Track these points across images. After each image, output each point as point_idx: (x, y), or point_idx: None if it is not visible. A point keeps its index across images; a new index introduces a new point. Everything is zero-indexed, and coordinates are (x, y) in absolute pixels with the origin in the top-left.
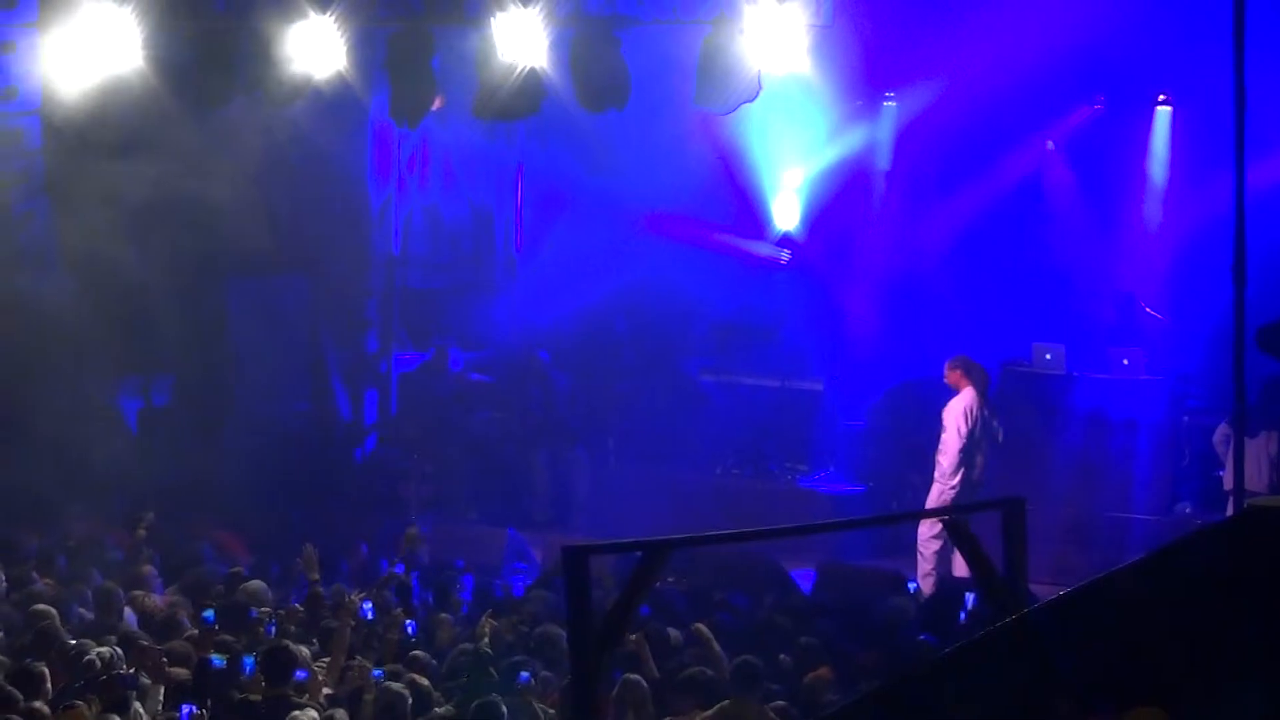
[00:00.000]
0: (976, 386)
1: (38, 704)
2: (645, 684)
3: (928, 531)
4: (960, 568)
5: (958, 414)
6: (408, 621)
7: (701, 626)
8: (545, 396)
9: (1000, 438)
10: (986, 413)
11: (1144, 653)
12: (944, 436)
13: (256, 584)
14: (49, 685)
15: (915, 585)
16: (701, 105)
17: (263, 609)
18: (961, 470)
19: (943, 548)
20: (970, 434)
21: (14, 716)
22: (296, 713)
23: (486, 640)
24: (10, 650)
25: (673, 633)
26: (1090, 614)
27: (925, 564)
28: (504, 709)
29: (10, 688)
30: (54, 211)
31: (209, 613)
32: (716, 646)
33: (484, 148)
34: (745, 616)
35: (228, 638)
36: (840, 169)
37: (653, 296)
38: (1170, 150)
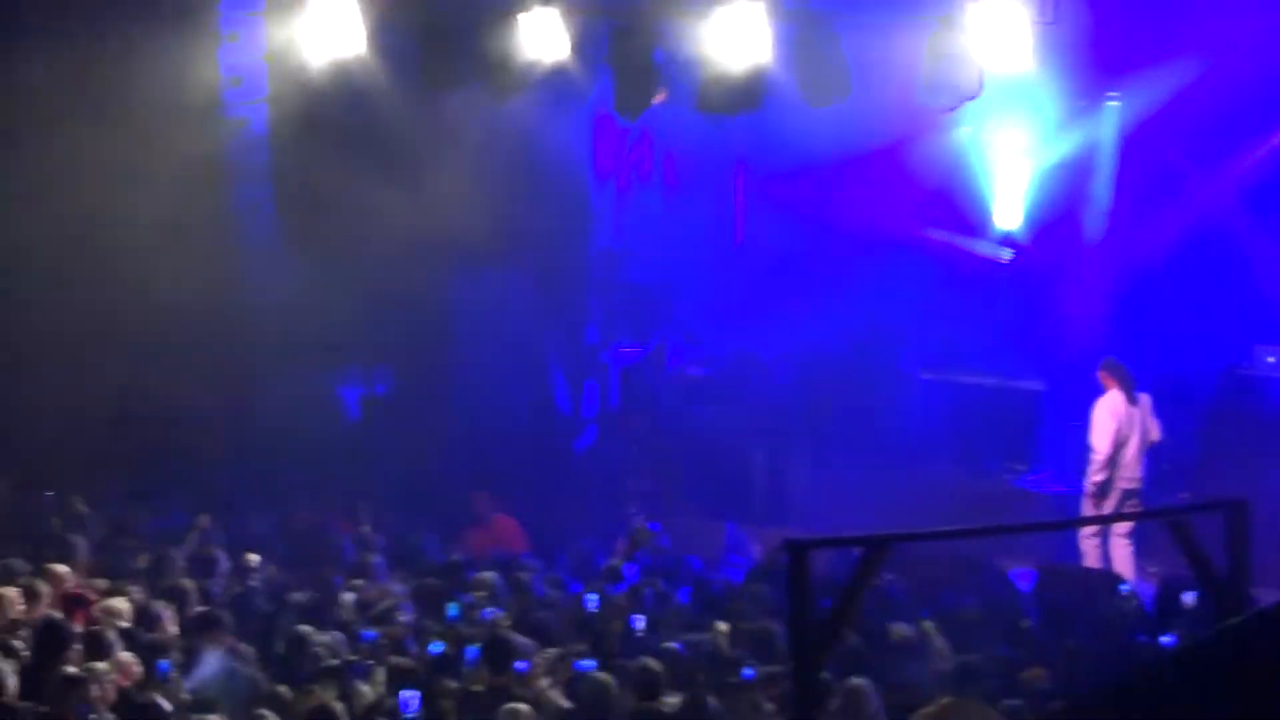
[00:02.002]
0: (1121, 386)
1: (281, 689)
2: (868, 686)
3: (1088, 530)
4: (1118, 566)
5: (1100, 413)
6: (632, 615)
7: (927, 623)
8: (765, 392)
9: (1156, 436)
10: (1135, 412)
11: None
12: (1091, 438)
13: (488, 574)
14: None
15: (1129, 587)
16: (925, 102)
17: (478, 594)
18: (1108, 469)
19: (1101, 544)
20: (1116, 432)
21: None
22: (513, 705)
23: (715, 635)
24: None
25: (895, 628)
26: None
27: (1087, 561)
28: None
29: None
30: (279, 200)
31: (453, 607)
32: (940, 642)
33: (706, 142)
34: (963, 615)
35: (448, 628)
36: (1062, 168)
37: (873, 293)
38: None
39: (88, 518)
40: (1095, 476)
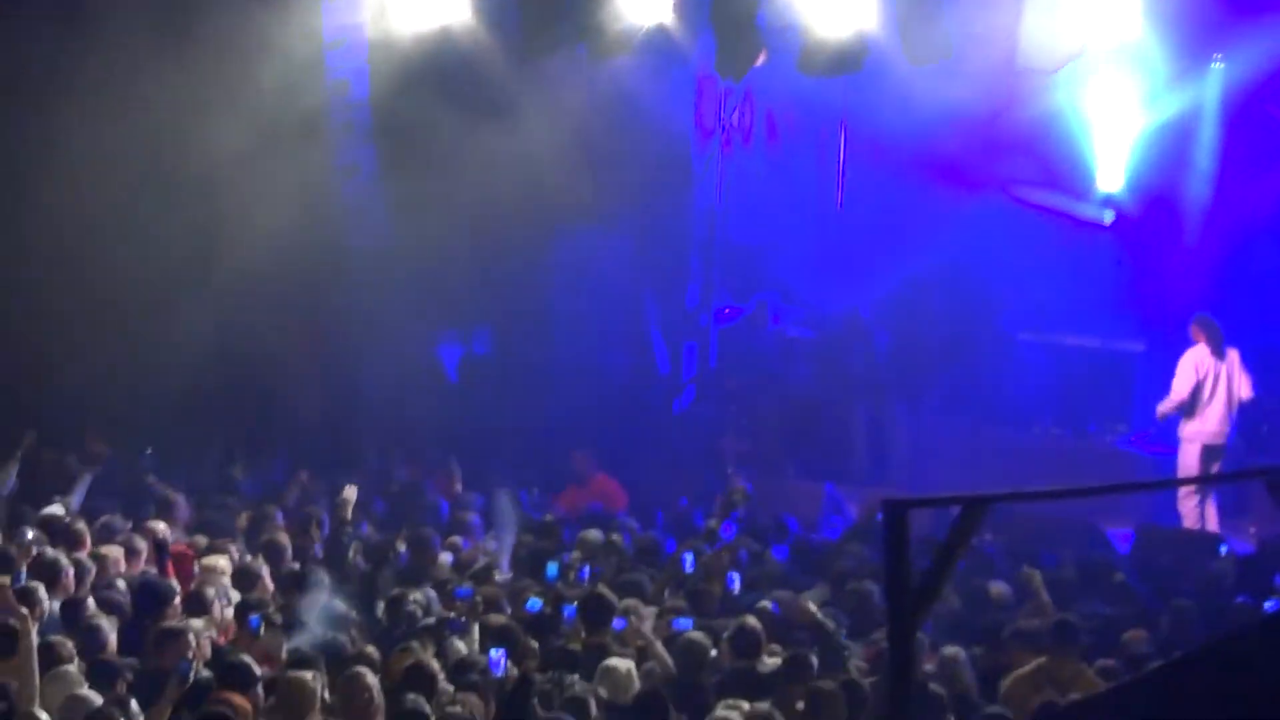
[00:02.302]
0: (1209, 341)
1: (369, 648)
2: (964, 656)
3: (1185, 490)
4: (1211, 524)
5: (1186, 364)
6: (730, 574)
7: (1034, 572)
8: (866, 353)
9: (1247, 393)
10: (1220, 366)
11: None
12: (1172, 383)
13: (590, 533)
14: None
15: (1227, 548)
16: (1027, 65)
17: (574, 555)
18: (1195, 420)
19: (1200, 504)
20: (1197, 386)
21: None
22: (612, 660)
23: (812, 595)
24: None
25: (995, 587)
26: None
27: (1186, 522)
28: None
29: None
30: (380, 162)
31: (552, 566)
32: (1045, 595)
33: (807, 103)
34: (1062, 575)
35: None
36: (1166, 131)
37: (973, 255)
38: None
39: (187, 475)
40: (1184, 431)
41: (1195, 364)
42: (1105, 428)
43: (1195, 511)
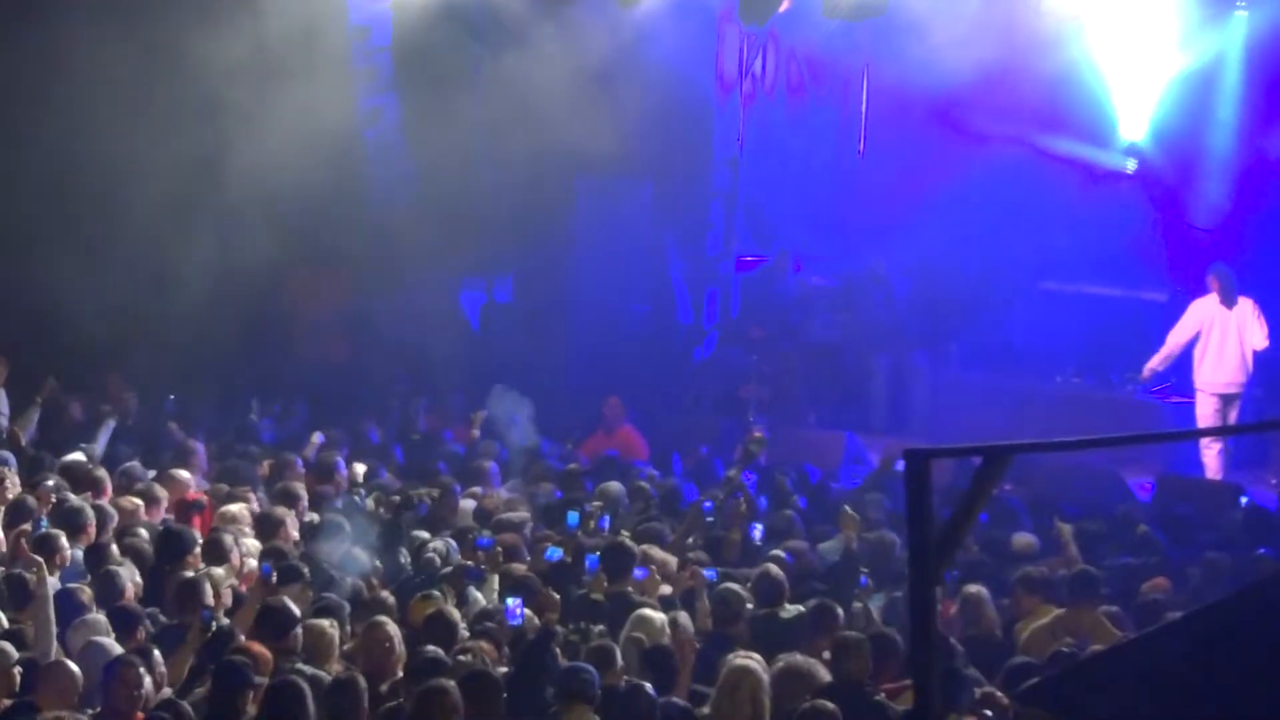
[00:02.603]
0: (1220, 290)
1: (384, 594)
2: (986, 594)
3: (1206, 439)
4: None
5: (1190, 312)
6: (751, 524)
7: (1065, 526)
8: (886, 301)
9: (1260, 342)
10: (1229, 316)
11: None
12: None
13: (611, 485)
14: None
15: (1248, 498)
16: (1050, 9)
17: (594, 504)
18: (1204, 370)
19: (1221, 452)
20: (1198, 336)
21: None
22: (644, 610)
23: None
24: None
25: (1019, 538)
26: None
27: (1209, 471)
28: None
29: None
30: (402, 107)
31: (573, 515)
32: (1074, 549)
33: (830, 50)
34: (1085, 525)
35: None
36: (1189, 79)
37: (995, 204)
38: None
39: (208, 423)
40: (1151, 363)
41: (1199, 315)
42: (1126, 378)
43: (1217, 461)
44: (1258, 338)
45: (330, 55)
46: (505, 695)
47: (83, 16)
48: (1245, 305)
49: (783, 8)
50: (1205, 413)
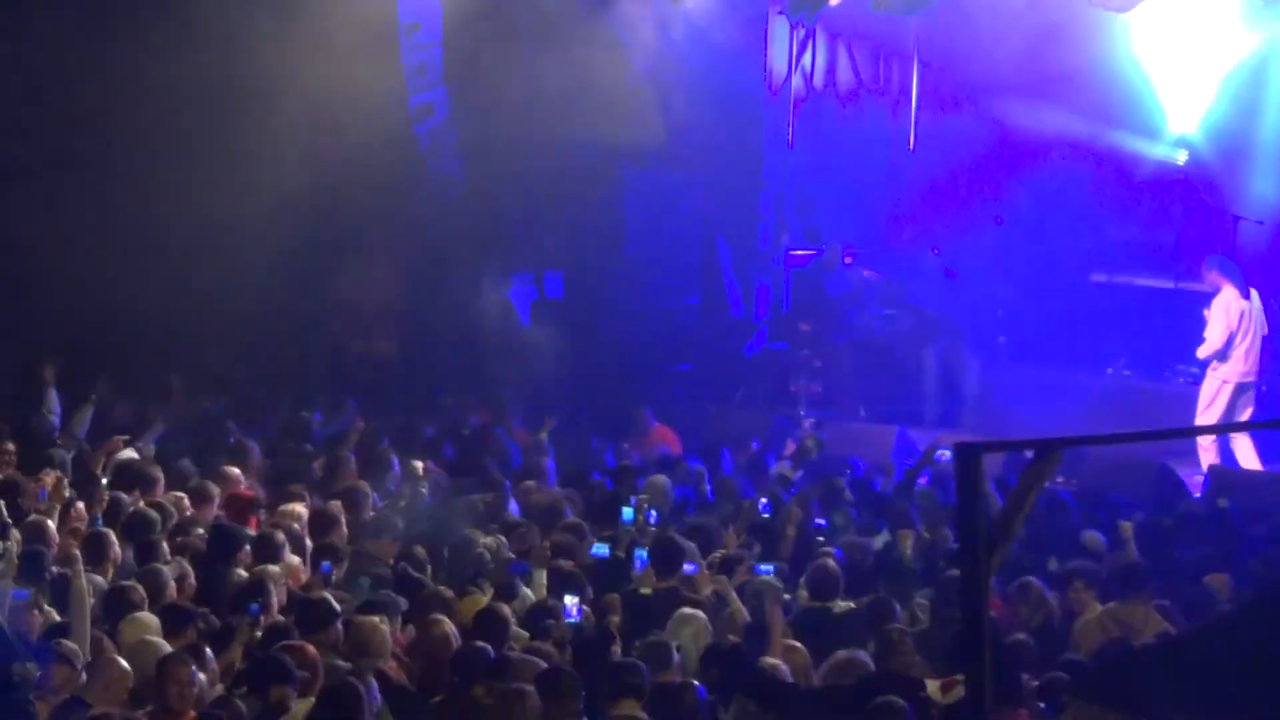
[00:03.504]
0: (1233, 283)
1: (441, 587)
2: (1039, 584)
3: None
4: (1241, 460)
5: (1219, 309)
6: (807, 521)
7: (1126, 524)
8: (937, 295)
9: (1264, 331)
10: (1250, 306)
11: None
12: (1206, 331)
13: (656, 478)
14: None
15: None
16: (1098, 6)
17: (641, 497)
18: (1229, 361)
19: (1218, 442)
20: (1236, 329)
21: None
22: (686, 610)
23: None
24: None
25: (1089, 536)
26: None
27: (1206, 456)
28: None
29: (414, 572)
30: (452, 103)
31: (627, 511)
32: (1134, 548)
33: (880, 43)
34: (1148, 521)
35: (618, 530)
36: (1239, 71)
37: (1046, 197)
38: None
39: (260, 421)
40: (1219, 373)
41: (1226, 308)
42: (1179, 370)
43: (1214, 446)
44: (1264, 327)
45: (380, 50)
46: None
47: (124, 19)
48: (1255, 296)
49: (833, 2)
50: (1210, 395)
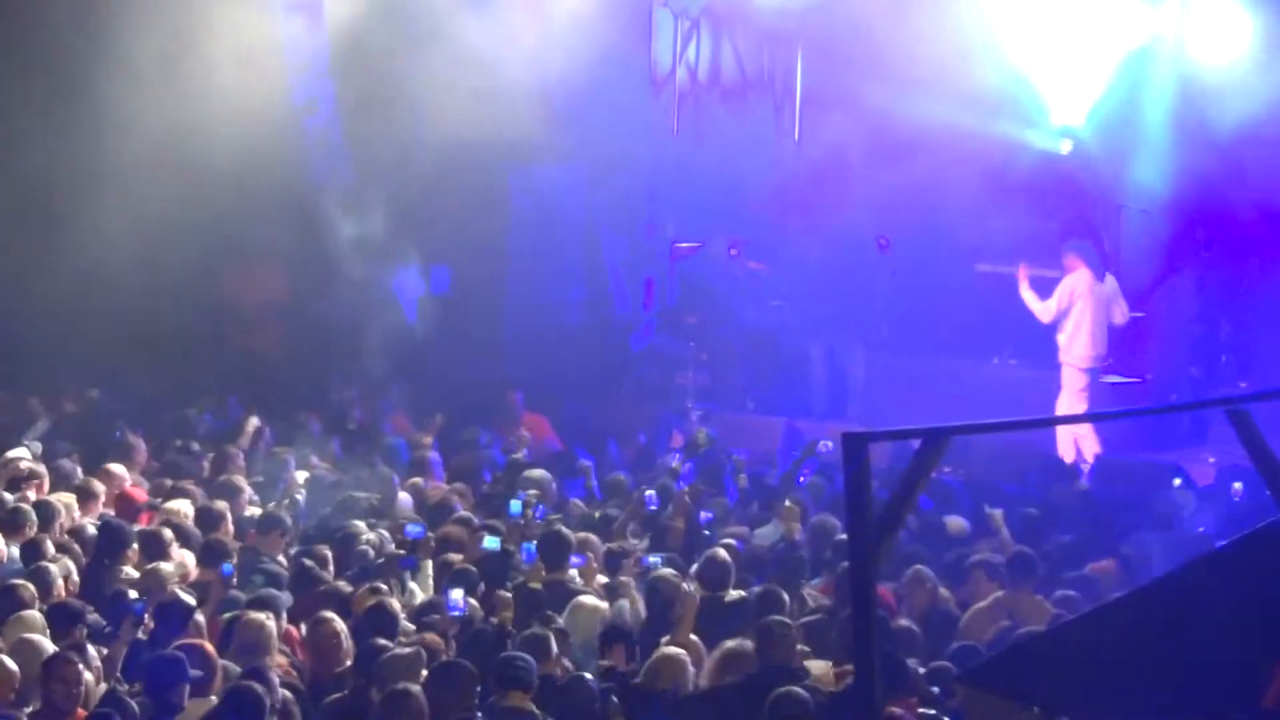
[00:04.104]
0: (1089, 266)
1: (340, 583)
2: (929, 573)
3: (1064, 407)
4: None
5: (1060, 289)
6: (698, 512)
7: (995, 512)
8: (822, 286)
9: (1121, 319)
10: (1101, 291)
11: None
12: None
13: (539, 472)
14: (332, 567)
15: (1181, 478)
16: None
17: (530, 492)
18: (1074, 347)
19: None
20: (1066, 311)
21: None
22: (583, 598)
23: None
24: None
25: (952, 521)
26: None
27: (1061, 445)
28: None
29: (312, 564)
30: (338, 99)
31: (515, 505)
32: (1006, 533)
33: (765, 36)
34: (1021, 506)
35: (507, 524)
36: (1125, 60)
37: (930, 185)
38: None
39: (144, 417)
40: (1065, 357)
41: (1074, 290)
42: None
43: (1069, 435)
44: (1120, 314)
45: (264, 44)
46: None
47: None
48: (1111, 281)
49: None
50: (1077, 387)
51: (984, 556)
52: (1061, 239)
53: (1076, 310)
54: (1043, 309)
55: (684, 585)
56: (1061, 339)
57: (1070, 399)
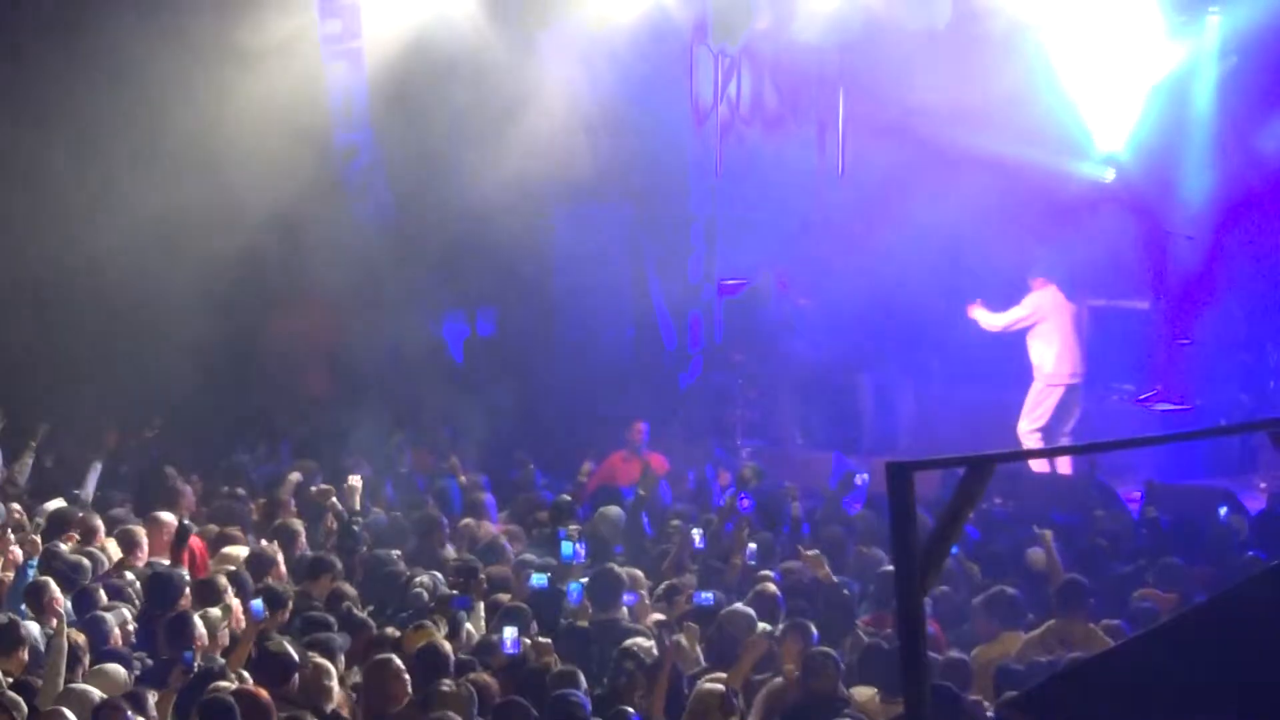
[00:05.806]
0: (1059, 285)
1: (390, 629)
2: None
3: (1027, 427)
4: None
5: (1024, 301)
6: (747, 548)
7: (1045, 531)
8: (870, 320)
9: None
10: (1071, 309)
11: None
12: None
13: (613, 510)
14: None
15: (1227, 506)
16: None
17: (571, 528)
18: (1052, 366)
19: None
20: (1033, 328)
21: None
22: (639, 639)
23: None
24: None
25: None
26: None
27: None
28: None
29: (359, 614)
30: (378, 144)
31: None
32: (1055, 555)
33: (805, 70)
34: (1071, 536)
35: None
36: (1165, 86)
37: (975, 217)
38: None
39: (194, 463)
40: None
41: (1038, 305)
42: (1112, 387)
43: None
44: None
45: (306, 93)
46: None
47: (47, 60)
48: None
49: (759, 27)
50: (1052, 404)
51: (995, 593)
52: (1109, 268)
53: (1045, 328)
54: (997, 318)
55: (759, 625)
56: (1034, 358)
57: (1030, 410)
